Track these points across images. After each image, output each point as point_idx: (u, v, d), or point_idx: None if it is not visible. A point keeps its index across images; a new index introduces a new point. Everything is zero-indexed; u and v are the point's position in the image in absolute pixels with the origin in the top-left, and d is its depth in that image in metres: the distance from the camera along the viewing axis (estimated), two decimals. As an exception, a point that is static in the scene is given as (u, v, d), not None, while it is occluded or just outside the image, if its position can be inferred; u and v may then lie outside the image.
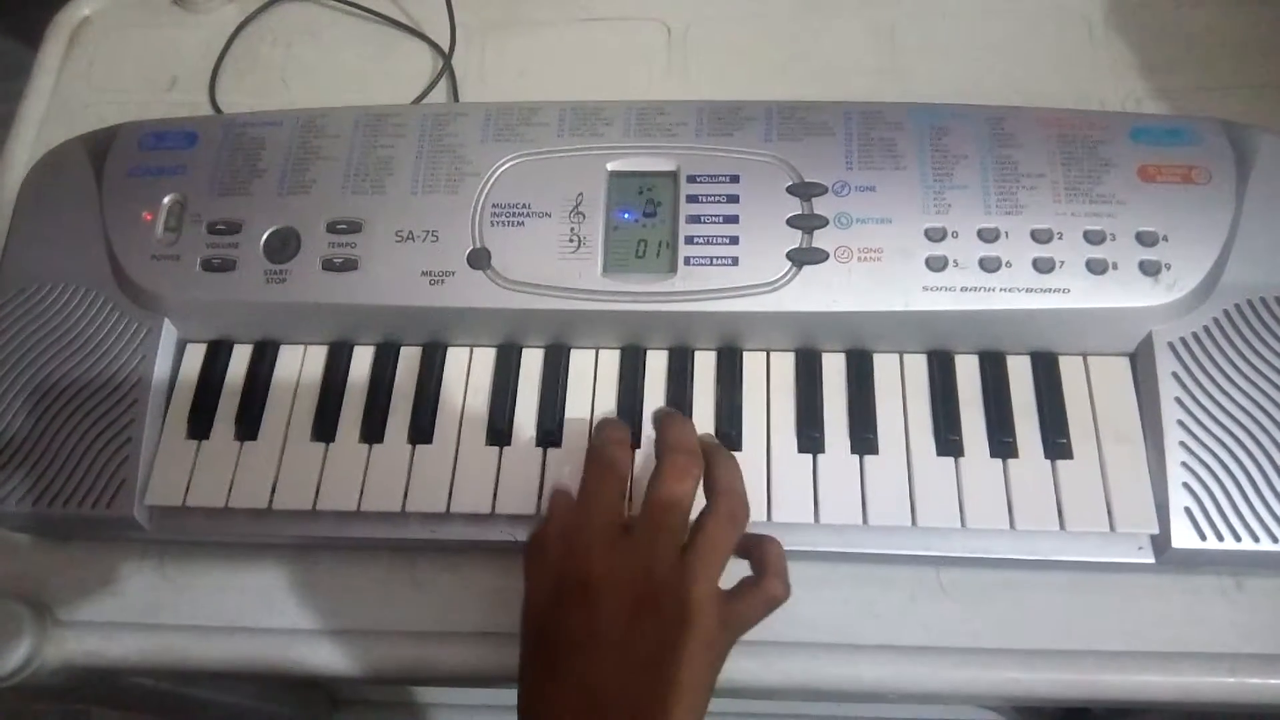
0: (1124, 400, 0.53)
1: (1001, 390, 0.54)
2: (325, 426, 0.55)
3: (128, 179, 0.58)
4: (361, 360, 0.57)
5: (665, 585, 0.45)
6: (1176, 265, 0.52)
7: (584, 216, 0.55)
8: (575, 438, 0.54)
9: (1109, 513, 0.50)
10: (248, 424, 0.55)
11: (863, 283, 0.53)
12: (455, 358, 0.57)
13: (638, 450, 0.54)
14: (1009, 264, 0.52)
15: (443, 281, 0.54)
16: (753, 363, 0.56)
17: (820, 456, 0.53)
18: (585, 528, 0.47)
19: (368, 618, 0.54)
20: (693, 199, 0.55)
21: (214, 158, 0.58)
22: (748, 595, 0.47)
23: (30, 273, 0.58)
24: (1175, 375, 0.51)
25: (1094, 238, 0.53)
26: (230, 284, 0.55)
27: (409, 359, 0.57)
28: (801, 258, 0.53)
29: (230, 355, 0.58)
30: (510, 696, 0.46)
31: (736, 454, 0.53)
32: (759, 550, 0.48)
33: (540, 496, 0.53)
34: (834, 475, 0.52)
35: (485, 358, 0.57)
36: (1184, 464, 0.50)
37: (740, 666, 0.50)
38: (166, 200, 0.57)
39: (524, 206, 0.55)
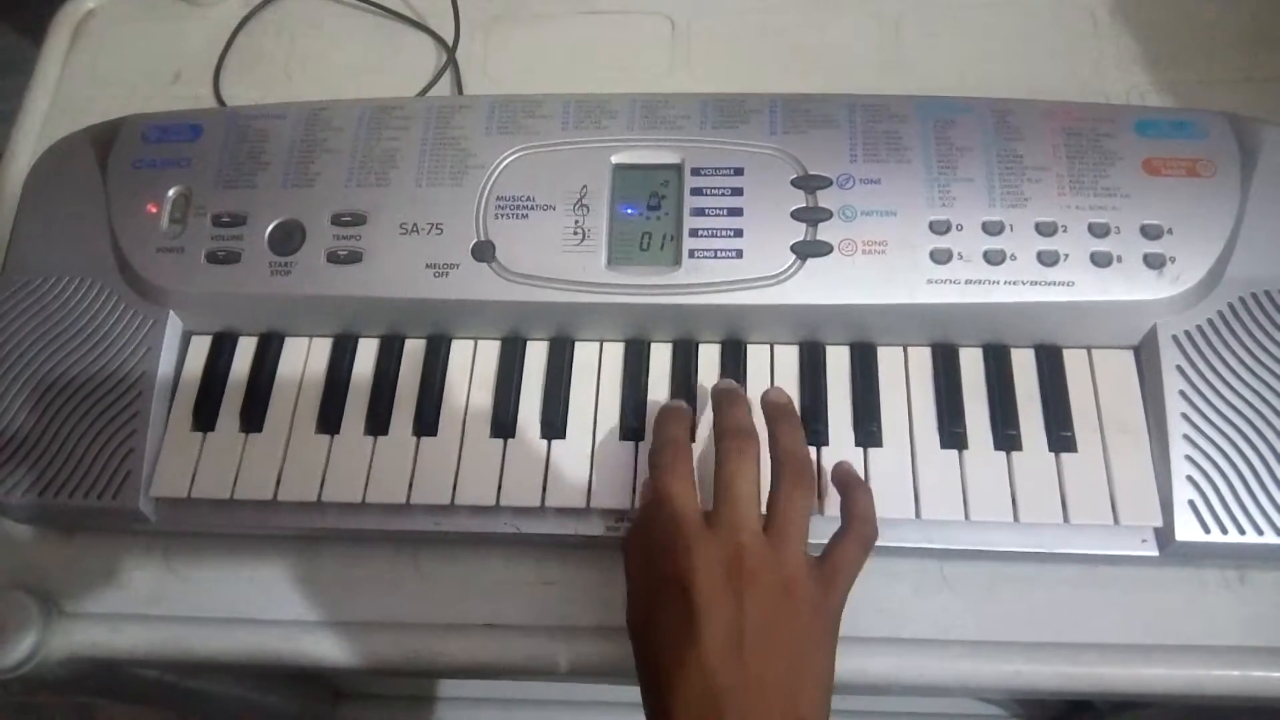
0: (1128, 393, 0.53)
1: (1006, 383, 0.54)
2: (330, 419, 0.55)
3: (132, 171, 0.58)
4: (366, 352, 0.57)
5: (757, 562, 0.45)
6: (1181, 259, 0.52)
7: (588, 209, 0.55)
8: (579, 430, 0.54)
9: (1113, 506, 0.50)
10: (252, 416, 0.56)
11: (867, 275, 0.53)
12: (460, 350, 0.57)
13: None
14: (1013, 257, 0.52)
15: (447, 274, 0.54)
16: (757, 356, 0.56)
17: (824, 449, 0.53)
18: (668, 527, 0.47)
19: (372, 610, 0.55)
20: (697, 191, 0.55)
21: (219, 150, 0.58)
22: (838, 546, 0.47)
23: (35, 265, 0.58)
24: (1179, 368, 0.51)
25: (1099, 231, 0.52)
26: (235, 276, 0.55)
27: (413, 351, 0.57)
28: (806, 250, 0.53)
29: (235, 347, 0.58)
30: (513, 689, 0.46)
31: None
32: (844, 500, 0.49)
33: (544, 489, 0.53)
34: (838, 468, 0.52)
35: (490, 350, 0.57)
36: (1188, 457, 0.50)
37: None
38: (171, 193, 0.58)
39: (528, 199, 0.55)
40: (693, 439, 0.52)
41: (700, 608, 0.44)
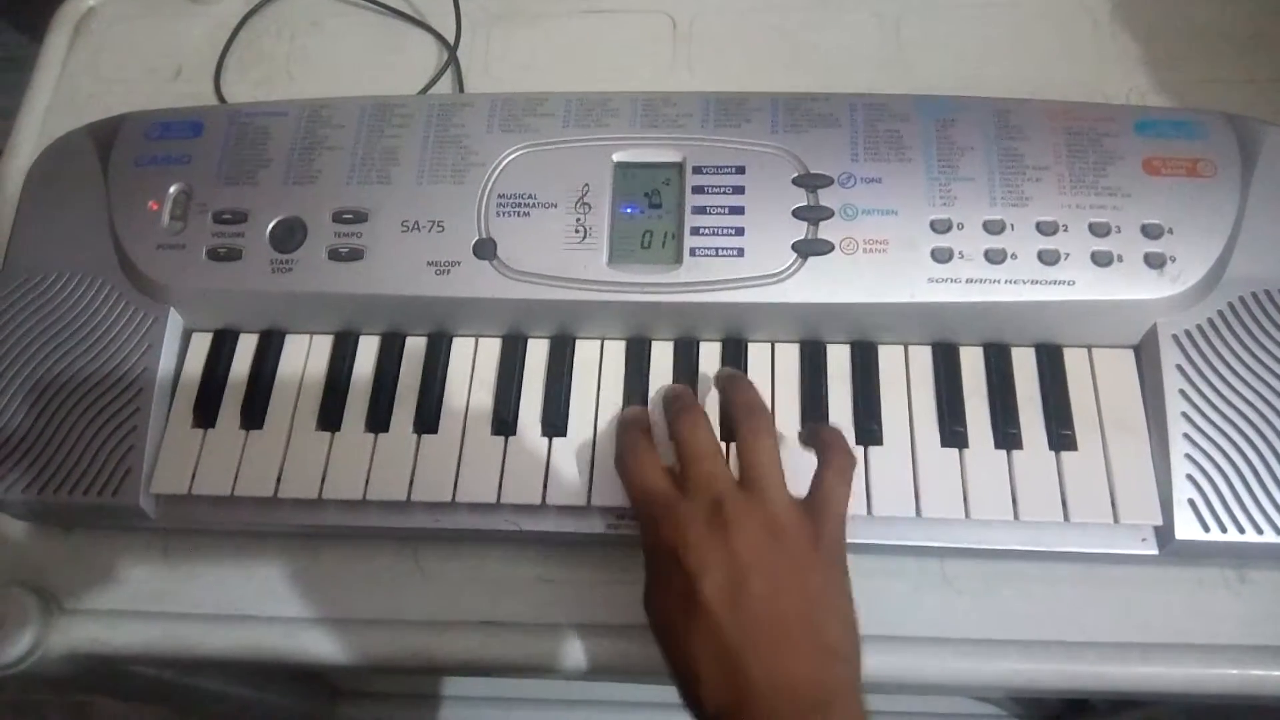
0: (1128, 392, 0.53)
1: (1006, 382, 0.54)
2: (331, 416, 0.55)
3: (133, 168, 0.58)
4: (367, 350, 0.57)
5: (736, 509, 0.45)
6: (1181, 258, 0.52)
7: (590, 207, 0.55)
8: (580, 428, 0.54)
9: (1113, 504, 0.50)
10: (253, 413, 0.56)
11: (868, 274, 0.53)
12: (461, 348, 0.57)
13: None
14: (1014, 256, 0.52)
15: (448, 271, 0.54)
16: (758, 354, 0.56)
17: (825, 447, 0.53)
18: (645, 504, 0.48)
19: (372, 607, 0.55)
20: (698, 190, 0.55)
21: (220, 147, 0.58)
22: (818, 478, 0.47)
23: (36, 262, 0.58)
24: (1180, 368, 0.52)
25: (1099, 230, 0.53)
26: (236, 273, 0.55)
27: (414, 349, 0.57)
28: (807, 249, 0.53)
29: (236, 344, 0.58)
30: (511, 687, 0.46)
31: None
32: (814, 437, 0.50)
33: (545, 486, 0.53)
34: (838, 466, 0.52)
35: (490, 348, 0.57)
36: (1188, 456, 0.50)
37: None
38: (172, 190, 0.58)
39: (530, 197, 0.55)
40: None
41: (693, 567, 0.44)
